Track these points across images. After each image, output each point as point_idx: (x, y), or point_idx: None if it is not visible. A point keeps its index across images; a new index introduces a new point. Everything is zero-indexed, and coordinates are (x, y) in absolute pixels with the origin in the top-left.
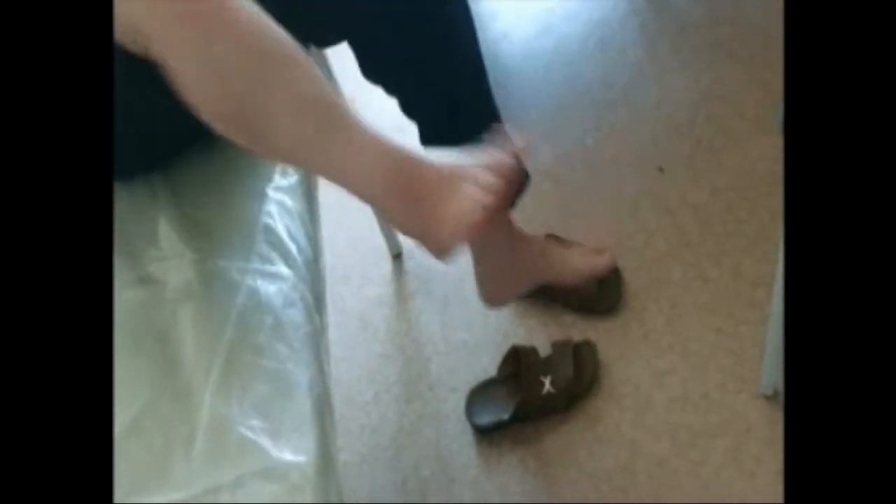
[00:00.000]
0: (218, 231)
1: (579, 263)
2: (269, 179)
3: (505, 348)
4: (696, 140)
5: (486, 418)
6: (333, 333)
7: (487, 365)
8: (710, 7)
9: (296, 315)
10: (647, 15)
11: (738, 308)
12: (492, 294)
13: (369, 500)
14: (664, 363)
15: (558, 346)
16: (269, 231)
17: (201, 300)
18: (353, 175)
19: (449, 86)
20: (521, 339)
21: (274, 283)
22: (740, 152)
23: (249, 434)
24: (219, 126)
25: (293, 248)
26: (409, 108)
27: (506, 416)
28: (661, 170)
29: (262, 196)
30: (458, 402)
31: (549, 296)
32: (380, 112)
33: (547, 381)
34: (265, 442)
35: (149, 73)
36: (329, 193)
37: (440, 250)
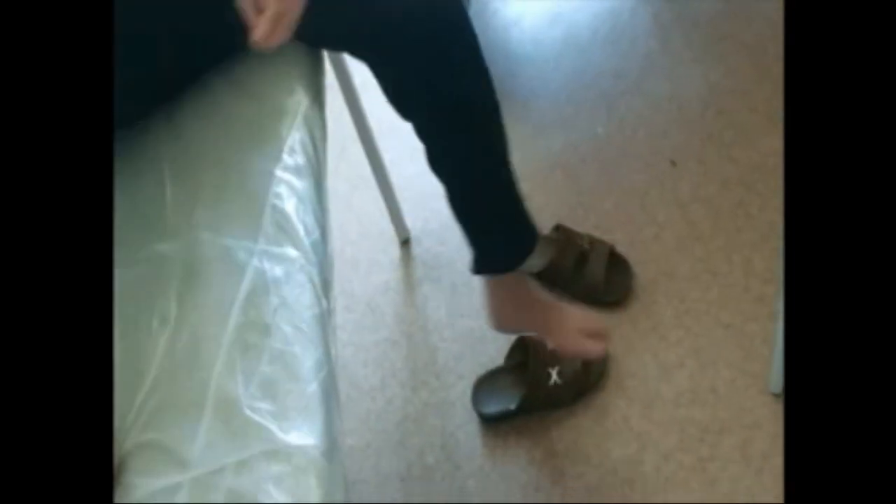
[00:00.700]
0: (225, 211)
1: (572, 340)
2: (278, 160)
3: (512, 338)
4: (708, 134)
5: (492, 407)
6: (340, 318)
7: (494, 354)
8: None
9: (303, 297)
10: (659, 6)
11: (747, 304)
12: (496, 322)
13: (374, 485)
14: (672, 357)
15: None
16: (277, 212)
17: (207, 280)
18: None
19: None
20: None
21: (281, 265)
22: (751, 147)
23: (255, 415)
24: None
25: (301, 229)
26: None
27: (512, 406)
28: (673, 163)
29: (270, 176)
30: (464, 391)
31: (560, 286)
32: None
33: (554, 373)
34: (271, 424)
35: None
36: (338, 179)
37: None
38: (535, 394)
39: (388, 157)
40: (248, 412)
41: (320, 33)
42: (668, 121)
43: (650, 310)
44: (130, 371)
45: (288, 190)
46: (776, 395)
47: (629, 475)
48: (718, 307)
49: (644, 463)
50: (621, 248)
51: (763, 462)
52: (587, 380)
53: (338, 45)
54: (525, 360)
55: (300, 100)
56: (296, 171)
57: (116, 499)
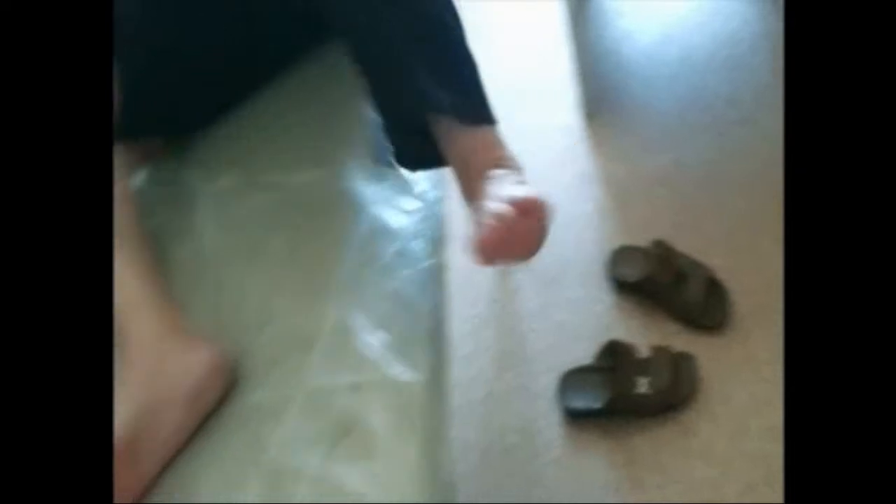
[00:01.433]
0: (355, 153)
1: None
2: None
3: (603, 340)
4: None
5: (577, 402)
6: None
7: (582, 353)
8: None
9: (420, 247)
10: (781, 42)
11: None
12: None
13: (455, 450)
14: (763, 392)
15: (658, 351)
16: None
17: (331, 215)
18: None
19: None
20: (620, 335)
21: (402, 214)
22: None
23: (369, 346)
24: None
25: (424, 185)
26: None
27: (598, 405)
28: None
29: None
30: (549, 382)
31: (656, 301)
32: None
33: (642, 382)
34: (383, 355)
35: None
36: None
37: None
38: (621, 398)
39: None
40: (362, 343)
41: None
42: (779, 156)
43: (746, 341)
44: (255, 297)
45: None
46: None
47: (710, 497)
48: None
49: (726, 489)
50: (721, 275)
51: None
52: (676, 395)
53: None
54: (614, 364)
55: None
56: None
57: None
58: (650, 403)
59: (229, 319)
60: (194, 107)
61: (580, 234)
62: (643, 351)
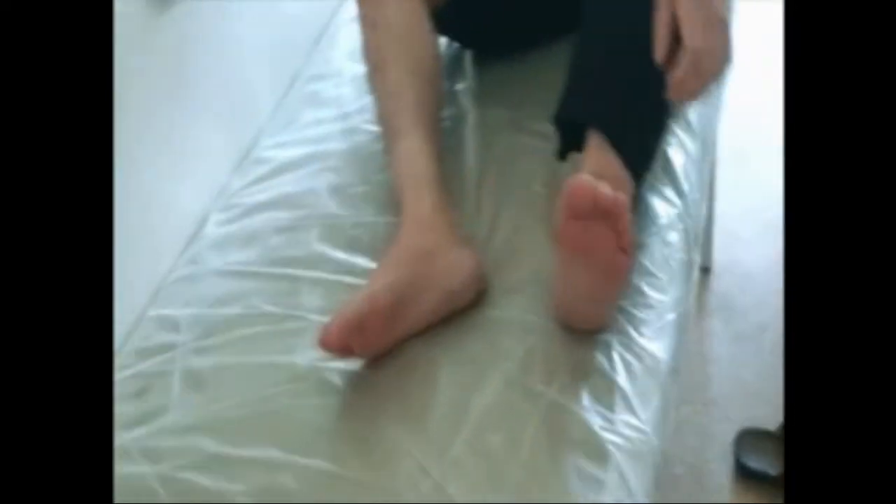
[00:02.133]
0: None
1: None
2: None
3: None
4: None
5: (752, 462)
6: None
7: (763, 416)
8: None
9: (677, 239)
10: None
11: None
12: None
13: None
14: None
15: None
16: (665, 158)
17: None
18: None
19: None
20: None
21: (664, 203)
22: None
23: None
24: None
25: (685, 184)
26: None
27: (773, 472)
28: None
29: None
30: (724, 431)
31: None
32: None
33: None
34: (633, 330)
35: None
36: None
37: None
38: None
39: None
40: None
41: None
42: None
43: None
44: (506, 229)
45: (677, 143)
46: None
47: None
48: None
49: None
50: None
51: None
52: None
53: None
54: None
55: None
56: (688, 130)
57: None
58: None
59: (481, 242)
60: (500, 29)
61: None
62: None
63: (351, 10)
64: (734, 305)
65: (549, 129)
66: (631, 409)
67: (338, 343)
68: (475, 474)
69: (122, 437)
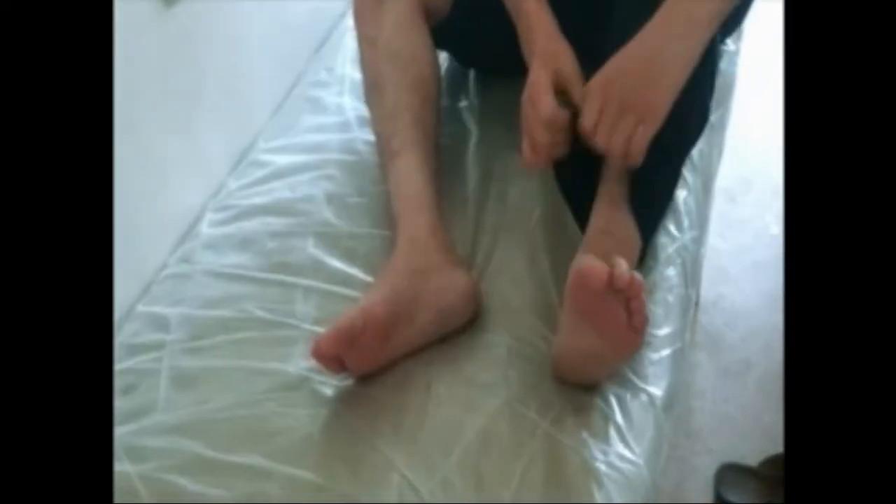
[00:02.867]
0: None
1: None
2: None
3: (769, 449)
4: None
5: (734, 497)
6: None
7: (747, 451)
8: None
9: (674, 274)
10: None
11: None
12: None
13: None
14: None
15: None
16: None
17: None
18: None
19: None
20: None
21: (664, 237)
22: None
23: None
24: None
25: (685, 219)
26: None
27: None
28: None
29: None
30: (708, 464)
31: None
32: None
33: None
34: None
35: None
36: None
37: None
38: None
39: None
40: None
41: None
42: None
43: None
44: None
45: (680, 178)
46: None
47: None
48: None
49: None
50: None
51: None
52: None
53: None
54: (781, 477)
55: None
56: (690, 165)
57: None
58: None
59: (479, 264)
60: (497, 50)
61: (775, 343)
62: None
63: None
64: (721, 340)
65: None
66: (626, 443)
67: (329, 354)
68: (464, 497)
69: None
